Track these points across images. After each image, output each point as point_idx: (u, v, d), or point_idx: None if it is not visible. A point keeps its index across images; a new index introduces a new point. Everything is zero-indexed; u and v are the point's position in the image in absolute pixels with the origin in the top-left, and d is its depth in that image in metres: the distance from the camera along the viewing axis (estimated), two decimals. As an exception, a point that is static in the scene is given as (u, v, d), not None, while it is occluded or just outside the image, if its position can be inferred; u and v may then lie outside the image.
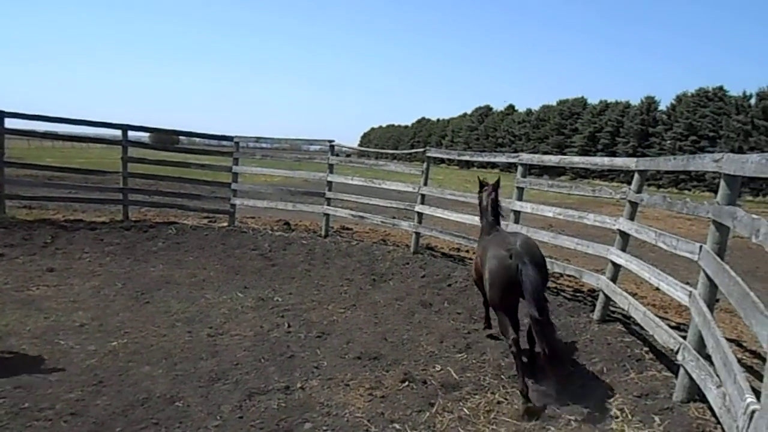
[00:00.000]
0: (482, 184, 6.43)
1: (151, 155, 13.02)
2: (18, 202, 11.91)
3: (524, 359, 4.90)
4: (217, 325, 6.31)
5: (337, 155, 12.61)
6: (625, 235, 6.44)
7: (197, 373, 5.03)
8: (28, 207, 12.34)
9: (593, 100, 63.02)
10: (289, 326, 6.38)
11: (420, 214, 10.31)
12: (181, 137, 36.33)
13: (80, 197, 12.69)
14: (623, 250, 6.47)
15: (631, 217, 6.41)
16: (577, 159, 8.59)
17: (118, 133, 11.88)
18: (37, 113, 11.35)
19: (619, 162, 7.17)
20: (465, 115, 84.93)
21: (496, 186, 6.17)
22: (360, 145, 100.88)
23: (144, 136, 21.69)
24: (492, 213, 6.00)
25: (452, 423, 4.30)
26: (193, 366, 5.18)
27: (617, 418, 4.36)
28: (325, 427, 4.18)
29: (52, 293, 7.17)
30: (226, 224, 12.31)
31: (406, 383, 4.98)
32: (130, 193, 12.09)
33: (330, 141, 11.83)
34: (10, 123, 11.00)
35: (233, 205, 12.51)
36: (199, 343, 5.77)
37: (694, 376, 4.14)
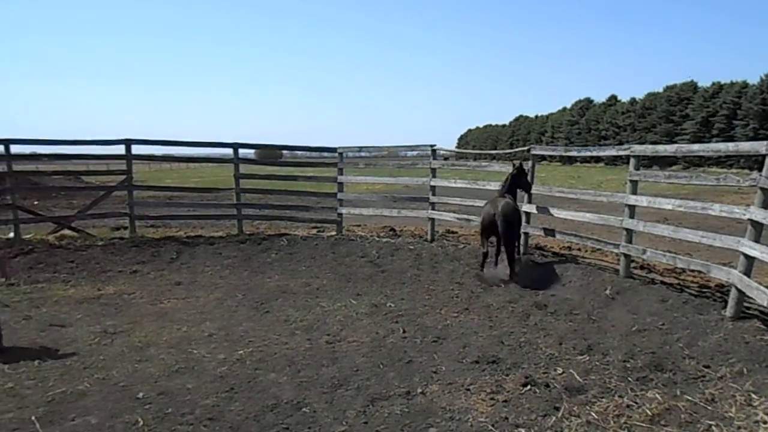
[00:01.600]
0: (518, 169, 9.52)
1: (260, 170, 13.62)
2: (145, 221, 12.85)
3: (488, 260, 9.05)
4: (334, 332, 6.48)
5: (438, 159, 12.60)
6: (758, 225, 5.97)
7: (320, 379, 5.18)
8: (154, 226, 13.28)
9: (704, 82, 59.08)
10: (404, 331, 6.43)
11: (528, 214, 10.07)
12: (284, 151, 37.80)
13: (198, 214, 13.50)
14: (757, 241, 6.00)
15: (765, 206, 5.93)
16: (696, 146, 8.09)
17: (228, 151, 12.53)
18: (159, 138, 12.22)
19: (746, 146, 6.65)
20: (564, 109, 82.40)
21: (518, 169, 9.55)
22: (457, 148, 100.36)
23: (250, 152, 22.76)
24: (504, 188, 9.45)
25: (580, 428, 4.16)
26: (316, 372, 5.33)
27: (766, 423, 4.03)
28: (449, 432, 4.17)
29: (182, 305, 7.65)
30: (334, 233, 12.63)
31: (528, 387, 4.88)
32: (243, 208, 12.71)
33: (431, 145, 11.84)
34: (136, 149, 11.92)
35: (340, 215, 12.81)
36: (318, 350, 5.94)
37: None
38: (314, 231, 13.04)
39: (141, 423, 4.35)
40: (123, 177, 11.91)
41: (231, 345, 6.11)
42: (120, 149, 11.81)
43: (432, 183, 11.78)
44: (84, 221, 12.28)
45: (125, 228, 12.57)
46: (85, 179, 26.08)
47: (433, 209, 11.76)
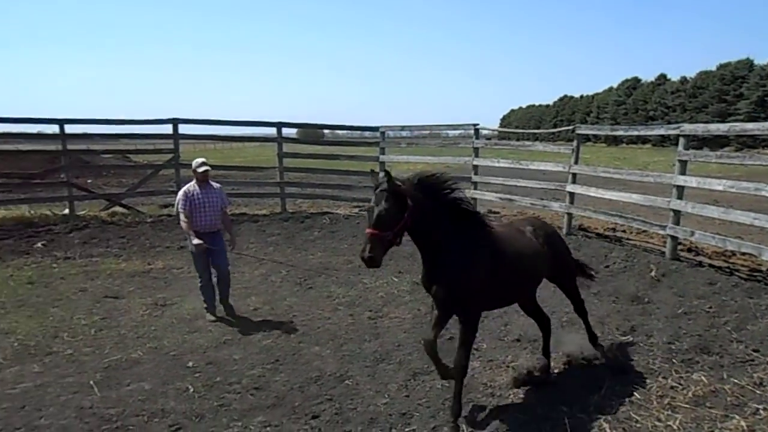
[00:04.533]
0: None
1: (303, 150, 13.76)
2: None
3: None
4: (376, 309, 6.57)
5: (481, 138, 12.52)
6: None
7: (362, 353, 5.28)
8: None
9: (761, 60, 56.57)
10: (445, 309, 6.47)
11: (572, 194, 9.94)
12: (325, 131, 37.97)
13: (242, 192, 13.74)
14: (813, 223, 5.82)
15: (822, 187, 5.72)
16: (750, 125, 7.84)
17: (272, 131, 12.69)
18: (205, 118, 12.46)
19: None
20: (611, 89, 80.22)
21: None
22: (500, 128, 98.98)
23: (292, 132, 22.99)
24: None
25: (623, 407, 4.15)
26: (358, 347, 5.44)
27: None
28: (490, 408, 4.21)
29: (228, 280, 7.85)
30: (375, 212, 12.68)
31: (570, 365, 4.88)
32: (286, 187, 12.88)
33: (474, 124, 11.76)
34: (183, 129, 12.18)
35: (381, 194, 12.84)
36: (361, 325, 6.04)
37: None
38: (356, 210, 13.14)
39: (191, 390, 4.53)
40: (170, 156, 12.21)
41: (275, 318, 6.27)
42: (167, 128, 12.08)
43: (474, 162, 11.71)
44: (133, 199, 12.66)
45: (172, 206, 12.87)
46: (133, 158, 26.79)
47: (475, 189, 11.70)
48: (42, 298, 6.93)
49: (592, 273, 5.44)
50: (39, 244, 9.54)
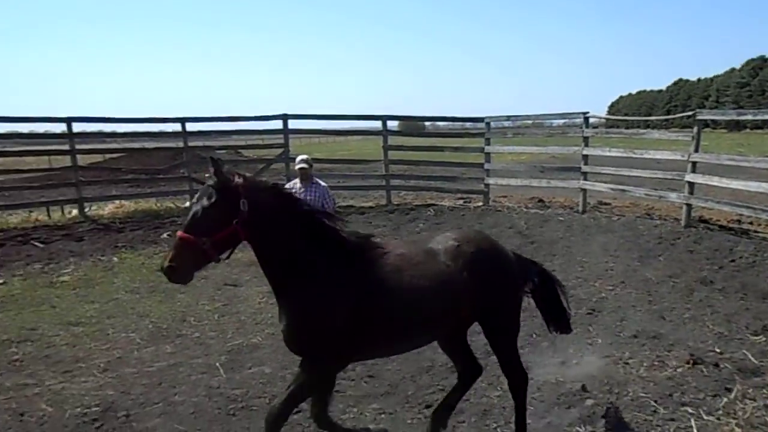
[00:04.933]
0: None
1: (406, 142, 13.89)
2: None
3: None
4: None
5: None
6: None
7: (474, 345, 5.25)
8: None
9: None
10: (556, 303, 6.33)
11: (691, 184, 9.35)
12: (426, 123, 38.03)
13: (348, 185, 14.08)
14: None
15: None
16: None
17: (377, 124, 12.90)
18: (312, 113, 12.90)
19: None
20: (733, 70, 74.58)
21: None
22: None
23: (394, 125, 23.24)
24: None
25: (757, 411, 3.89)
26: (470, 339, 5.42)
27: None
28: (608, 405, 4.09)
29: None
30: (480, 204, 12.60)
31: (694, 365, 4.63)
32: (391, 179, 13.06)
33: (584, 113, 11.35)
34: (292, 124, 12.67)
35: (487, 185, 12.73)
36: (470, 317, 6.03)
37: None
38: (460, 201, 13.10)
39: (308, 375, 4.71)
40: (281, 150, 12.73)
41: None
42: (277, 124, 12.60)
43: (584, 152, 11.31)
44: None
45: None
46: (244, 153, 28.13)
47: (585, 179, 11.31)
48: (170, 284, 7.44)
49: (568, 317, 3.86)
50: (165, 235, 10.26)
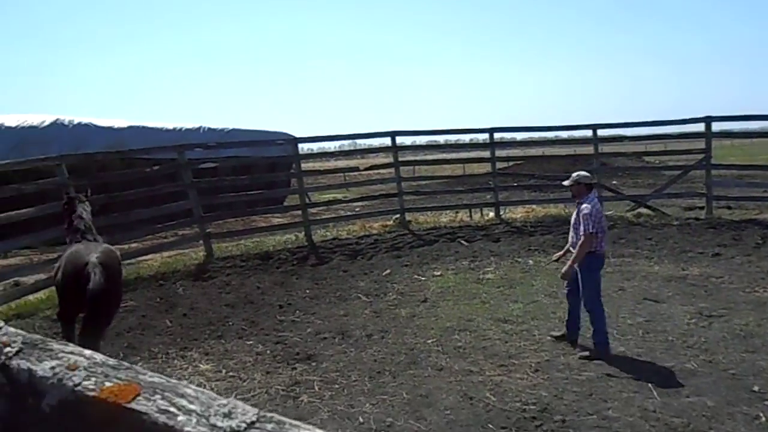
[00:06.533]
0: None
1: None
2: (719, 202, 12.22)
3: None
4: None
5: None
6: None
7: None
8: (727, 207, 12.50)
9: None
10: None
11: None
12: None
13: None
14: None
15: None
16: None
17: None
18: (748, 113, 11.40)
19: None
20: None
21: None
22: None
23: None
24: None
25: None
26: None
27: None
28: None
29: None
30: None
31: None
32: None
33: None
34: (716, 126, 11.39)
35: None
36: None
37: None
38: None
39: (763, 419, 4.12)
40: (701, 156, 11.59)
41: None
42: (698, 127, 11.51)
43: None
44: (655, 200, 12.53)
45: (699, 208, 12.25)
46: (645, 159, 26.75)
47: None
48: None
49: None
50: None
